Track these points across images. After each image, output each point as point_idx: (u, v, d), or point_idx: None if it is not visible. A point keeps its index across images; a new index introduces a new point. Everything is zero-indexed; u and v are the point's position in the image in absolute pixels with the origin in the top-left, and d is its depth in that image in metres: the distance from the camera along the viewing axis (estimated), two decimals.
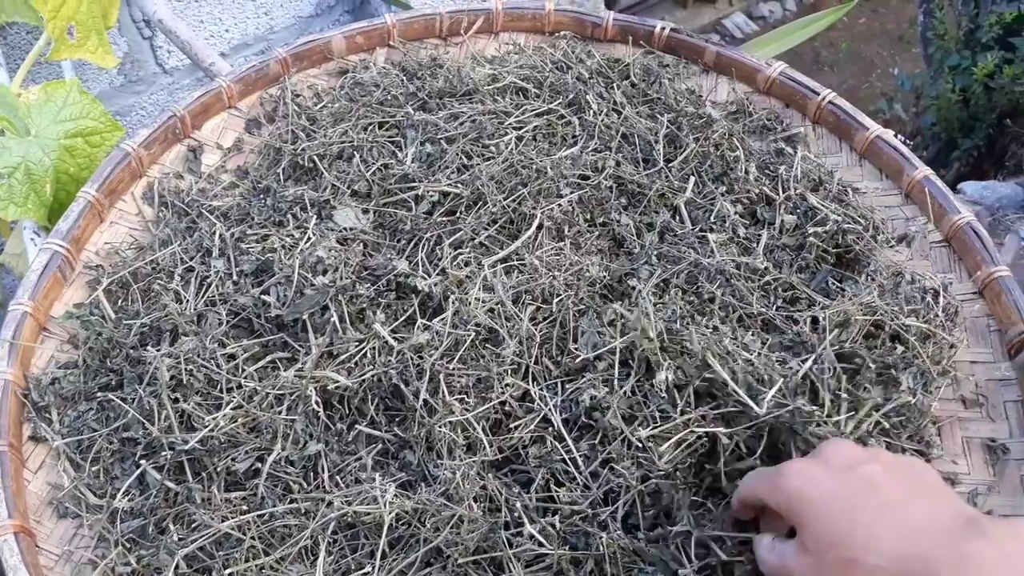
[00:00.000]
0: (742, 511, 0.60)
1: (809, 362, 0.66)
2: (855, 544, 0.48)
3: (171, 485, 0.66)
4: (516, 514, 0.64)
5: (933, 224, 0.82)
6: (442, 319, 0.71)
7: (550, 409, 0.67)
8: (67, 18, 0.96)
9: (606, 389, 0.66)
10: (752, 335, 0.71)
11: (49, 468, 0.69)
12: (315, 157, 0.84)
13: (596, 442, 0.65)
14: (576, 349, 0.69)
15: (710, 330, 0.70)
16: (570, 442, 0.65)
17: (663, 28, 0.97)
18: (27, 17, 1.02)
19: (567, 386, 0.68)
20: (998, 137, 2.46)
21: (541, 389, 0.68)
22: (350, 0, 1.53)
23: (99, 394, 0.70)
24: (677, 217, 0.82)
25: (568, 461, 0.64)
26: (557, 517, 0.62)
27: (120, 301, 0.77)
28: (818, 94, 0.91)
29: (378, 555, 0.61)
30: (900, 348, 0.69)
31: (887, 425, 0.65)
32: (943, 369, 0.71)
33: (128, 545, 0.64)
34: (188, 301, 0.75)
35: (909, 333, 0.69)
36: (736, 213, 0.82)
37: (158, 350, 0.70)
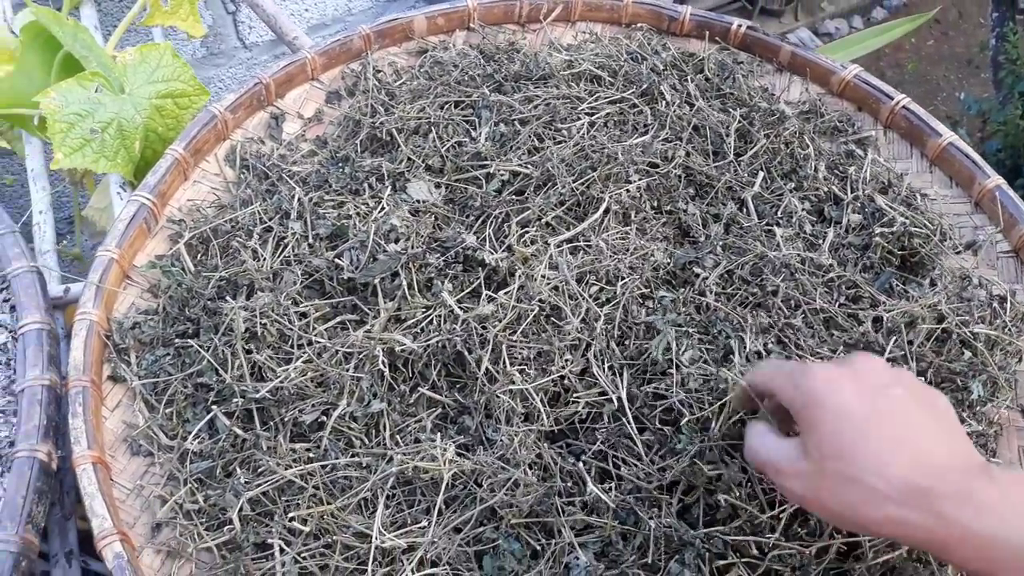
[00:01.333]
0: (743, 398, 0.60)
1: None
2: (863, 464, 0.47)
3: (239, 432, 0.69)
4: (569, 483, 0.65)
5: (1002, 234, 0.82)
6: (507, 292, 0.73)
7: (612, 387, 0.68)
8: None
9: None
10: (814, 335, 0.72)
11: (125, 408, 0.72)
12: (393, 131, 0.86)
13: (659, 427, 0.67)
14: (648, 346, 0.70)
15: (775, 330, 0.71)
16: (631, 422, 0.66)
17: (740, 25, 0.98)
18: None
19: (627, 370, 0.70)
20: None
21: (601, 366, 0.70)
22: None
23: (176, 340, 0.74)
24: (744, 210, 0.83)
25: (632, 439, 0.66)
26: (613, 492, 0.64)
27: (200, 255, 0.80)
28: (892, 98, 0.91)
29: (435, 511, 0.63)
30: (968, 354, 0.69)
31: None
32: (1008, 378, 0.71)
33: (196, 485, 0.67)
34: (265, 259, 0.78)
35: (977, 340, 0.69)
36: (803, 210, 0.82)
37: (235, 302, 0.73)
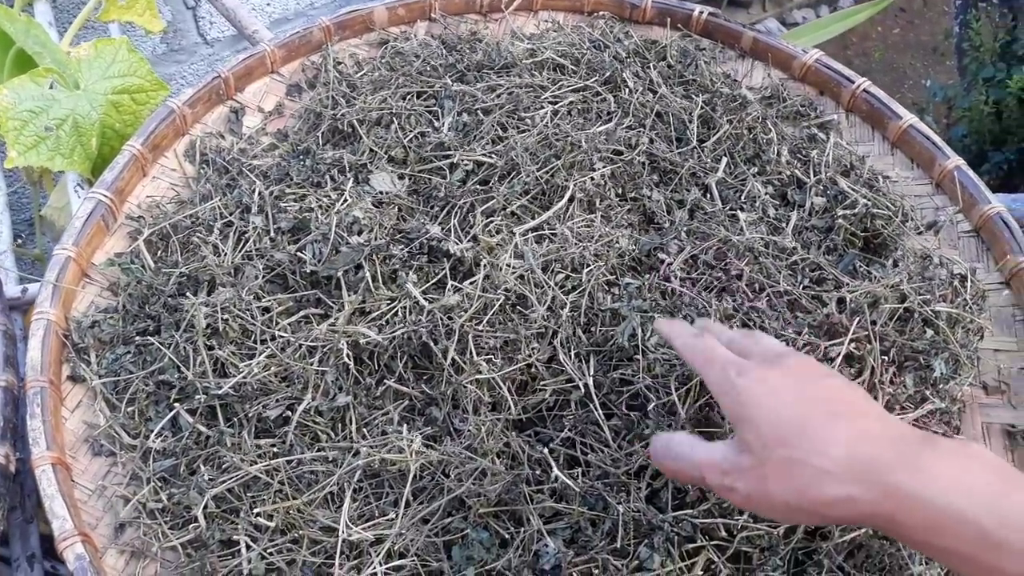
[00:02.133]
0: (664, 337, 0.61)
1: (845, 344, 0.67)
2: (805, 445, 0.46)
3: (203, 429, 0.68)
4: (537, 471, 0.65)
5: (963, 214, 0.83)
6: (473, 282, 0.73)
7: (579, 374, 0.68)
8: None
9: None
10: (778, 317, 0.72)
11: (85, 408, 0.71)
12: (354, 122, 0.85)
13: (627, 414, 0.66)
14: (613, 332, 0.70)
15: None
16: (598, 408, 0.66)
17: (701, 12, 0.98)
18: None
19: (594, 356, 0.70)
20: None
21: (568, 354, 0.70)
22: None
23: (137, 338, 0.73)
24: (708, 195, 0.83)
25: (599, 425, 0.66)
26: (580, 479, 0.63)
27: (160, 252, 0.79)
28: (853, 82, 0.91)
29: (402, 503, 0.63)
30: (930, 332, 0.69)
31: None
32: (970, 355, 0.72)
33: (159, 484, 0.66)
34: (226, 254, 0.77)
35: (939, 318, 0.70)
36: (767, 194, 0.83)
37: (196, 298, 0.72)
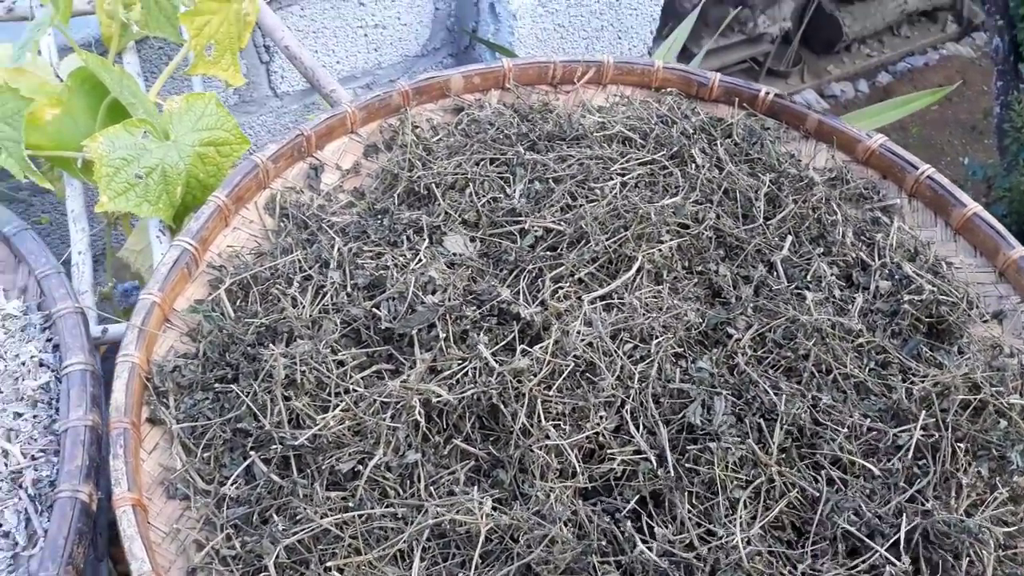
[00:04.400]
0: None
1: (917, 432, 0.68)
2: None
3: (276, 478, 0.69)
4: (603, 542, 0.66)
5: None
6: (542, 347, 0.74)
7: (647, 446, 0.69)
8: (208, 36, 1.03)
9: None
10: (846, 399, 0.73)
11: (162, 450, 0.73)
12: (431, 185, 0.88)
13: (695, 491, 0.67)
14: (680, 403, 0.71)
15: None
16: (672, 476, 0.67)
17: (767, 92, 1.01)
18: (167, 33, 1.10)
19: (663, 426, 0.71)
20: None
21: (636, 425, 0.71)
22: (454, 44, 1.60)
23: (216, 385, 0.75)
24: (773, 273, 0.85)
25: (669, 496, 0.66)
26: (653, 553, 0.64)
27: (239, 301, 0.82)
28: (917, 168, 0.93)
29: (472, 565, 0.64)
30: (1003, 423, 0.70)
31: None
32: None
33: (232, 531, 0.68)
34: (304, 307, 0.79)
35: (1012, 409, 0.70)
36: (832, 275, 0.84)
37: (275, 349, 0.74)
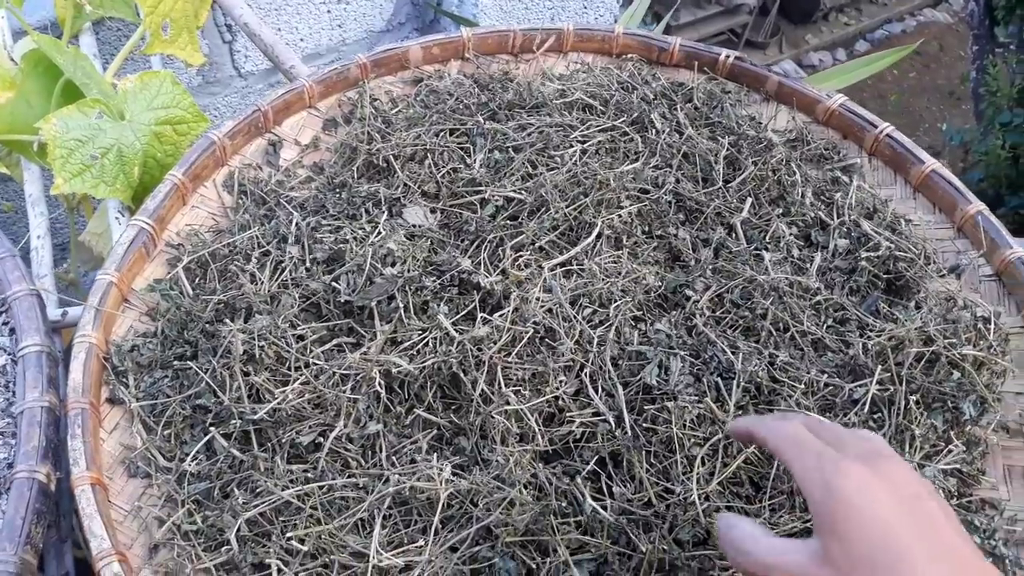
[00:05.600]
0: (741, 437, 0.58)
1: (872, 386, 0.68)
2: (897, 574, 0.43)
3: (237, 453, 0.70)
4: (564, 503, 0.66)
5: (985, 258, 0.84)
6: (502, 315, 0.74)
7: (606, 408, 0.69)
8: (163, 15, 1.01)
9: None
10: (803, 357, 0.74)
11: (123, 430, 0.73)
12: (389, 157, 0.88)
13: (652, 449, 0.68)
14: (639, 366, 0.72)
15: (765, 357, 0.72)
16: (630, 436, 0.67)
17: (727, 56, 1.00)
18: (123, 13, 1.09)
19: (622, 389, 0.71)
20: None
21: (595, 388, 0.71)
22: (419, 19, 1.58)
23: (175, 363, 0.74)
24: (733, 235, 0.85)
25: (627, 456, 0.67)
26: (607, 511, 0.65)
27: (198, 279, 0.81)
28: (876, 127, 0.93)
29: (431, 531, 0.64)
30: (956, 374, 0.70)
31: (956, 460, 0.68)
32: (996, 397, 0.73)
33: (193, 506, 0.68)
34: (263, 283, 0.79)
35: (965, 361, 0.71)
36: (791, 235, 0.84)
37: (233, 325, 0.74)
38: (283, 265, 0.80)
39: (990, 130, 2.58)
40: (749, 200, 0.87)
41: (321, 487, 0.67)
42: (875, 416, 0.70)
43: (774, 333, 0.76)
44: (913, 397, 0.69)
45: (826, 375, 0.72)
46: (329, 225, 0.83)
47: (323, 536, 0.64)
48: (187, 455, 0.70)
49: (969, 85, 2.91)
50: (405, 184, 0.86)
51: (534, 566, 0.63)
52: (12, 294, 0.74)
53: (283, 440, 0.70)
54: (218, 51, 1.37)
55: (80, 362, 0.71)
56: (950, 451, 0.69)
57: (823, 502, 0.47)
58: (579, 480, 0.66)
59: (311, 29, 1.46)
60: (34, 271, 0.92)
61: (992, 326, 0.75)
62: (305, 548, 0.63)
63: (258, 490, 0.67)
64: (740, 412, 0.70)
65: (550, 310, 0.75)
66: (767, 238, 0.84)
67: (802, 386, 0.71)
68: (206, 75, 1.40)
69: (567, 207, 0.83)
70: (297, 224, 0.83)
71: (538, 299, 0.75)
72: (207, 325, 0.76)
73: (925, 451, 0.68)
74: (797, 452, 0.50)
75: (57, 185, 0.86)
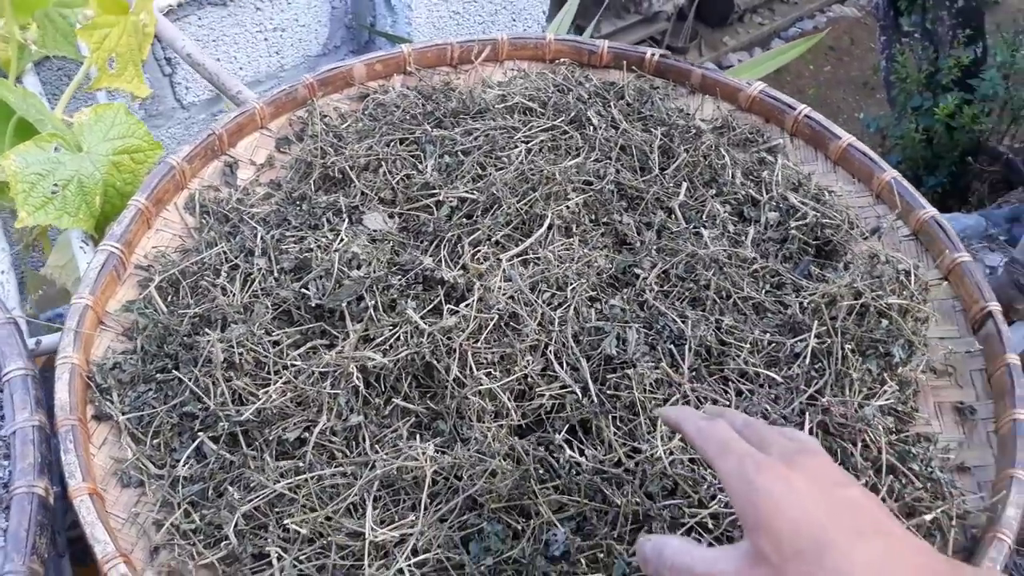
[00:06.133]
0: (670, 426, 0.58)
1: (811, 340, 0.75)
2: (827, 563, 0.43)
3: (226, 455, 0.73)
4: (541, 471, 0.71)
5: (902, 220, 0.92)
6: (467, 305, 0.79)
7: (572, 380, 0.74)
8: (109, 50, 1.04)
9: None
10: (746, 320, 0.80)
11: (111, 444, 0.75)
12: (345, 168, 0.92)
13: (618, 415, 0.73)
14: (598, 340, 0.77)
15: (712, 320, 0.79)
16: (596, 404, 0.73)
17: (653, 54, 1.07)
18: (66, 51, 1.11)
19: (585, 362, 0.76)
20: (961, 174, 2.60)
21: (560, 363, 0.76)
22: (354, 41, 1.63)
23: (158, 375, 0.77)
24: (672, 217, 0.91)
25: (595, 422, 0.72)
26: (583, 475, 0.70)
27: (170, 297, 0.84)
28: (795, 109, 1.01)
29: (421, 505, 0.68)
30: (884, 323, 0.77)
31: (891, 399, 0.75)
32: (923, 341, 0.80)
33: (189, 507, 0.71)
34: (234, 294, 0.82)
35: (891, 309, 0.78)
36: (725, 213, 0.91)
37: (212, 335, 0.77)
38: (252, 277, 0.84)
39: (903, 115, 2.71)
40: (684, 184, 0.94)
41: (311, 477, 0.71)
42: (816, 366, 0.76)
43: (718, 301, 0.82)
44: (848, 346, 0.76)
45: (768, 334, 0.79)
46: (293, 236, 0.87)
47: (319, 520, 0.68)
48: (178, 461, 0.73)
49: (880, 75, 3.06)
50: (363, 192, 0.91)
51: (520, 528, 0.67)
52: None
53: (270, 438, 0.73)
54: (159, 84, 1.40)
55: (64, 382, 0.74)
56: (885, 391, 0.76)
57: (747, 501, 0.47)
58: (555, 448, 0.71)
59: (249, 57, 1.50)
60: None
61: (913, 277, 0.83)
62: (304, 531, 0.67)
63: (251, 485, 0.70)
64: (694, 374, 0.76)
65: (512, 297, 0.80)
66: (704, 217, 0.91)
67: (748, 346, 0.78)
68: (148, 108, 1.42)
69: (518, 202, 0.88)
70: (262, 237, 0.86)
71: (500, 288, 0.81)
72: (185, 338, 0.79)
73: (864, 393, 0.75)
74: (721, 453, 0.50)
75: (22, 219, 0.88)
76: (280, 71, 1.56)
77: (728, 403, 0.74)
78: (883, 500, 0.68)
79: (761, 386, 0.76)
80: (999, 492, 0.70)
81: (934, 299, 0.86)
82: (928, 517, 0.67)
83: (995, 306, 0.81)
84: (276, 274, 0.84)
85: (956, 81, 2.27)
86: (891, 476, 0.70)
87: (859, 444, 0.71)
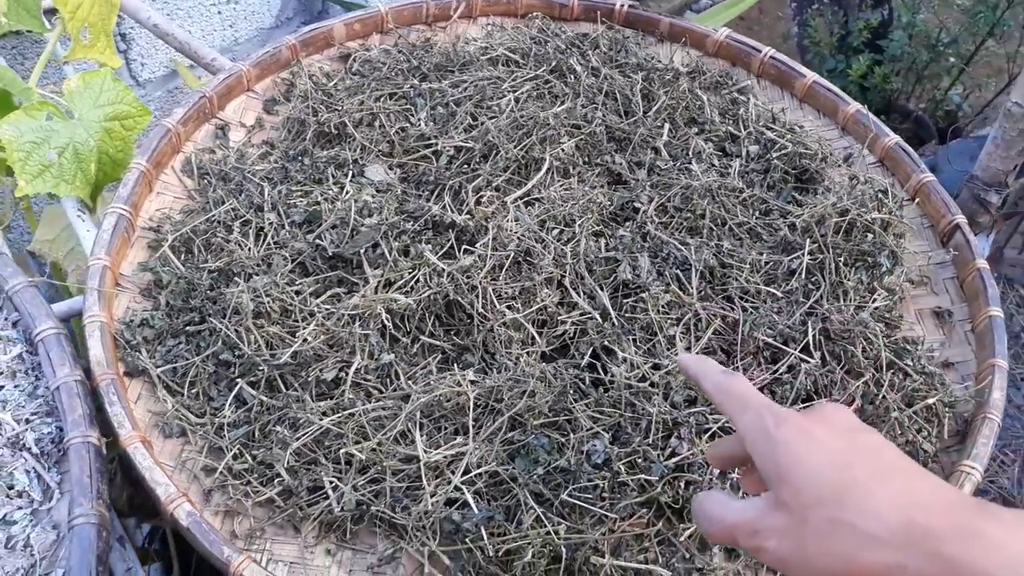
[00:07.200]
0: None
1: (805, 256, 0.81)
2: (850, 505, 0.42)
3: (266, 399, 0.75)
4: (572, 392, 0.75)
5: (868, 149, 0.99)
6: (483, 244, 0.82)
7: (589, 307, 0.79)
8: (82, 19, 1.03)
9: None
10: (742, 244, 0.86)
11: (146, 398, 0.76)
12: (346, 121, 0.94)
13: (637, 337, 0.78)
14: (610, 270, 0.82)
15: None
16: (618, 326, 0.77)
17: (622, 4, 1.12)
18: (31, 25, 1.09)
19: (601, 290, 0.81)
20: None
21: (577, 292, 0.80)
22: (306, 12, 1.63)
23: (188, 328, 0.78)
24: (660, 155, 0.96)
25: (616, 341, 0.77)
26: (612, 390, 0.74)
27: (183, 256, 0.85)
28: (760, 51, 1.07)
29: (470, 427, 0.72)
30: (869, 236, 0.84)
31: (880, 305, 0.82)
32: (902, 253, 0.87)
33: (238, 449, 0.72)
34: (251, 248, 0.83)
35: (875, 224, 0.85)
36: (709, 149, 0.96)
37: (238, 285, 0.78)
38: (265, 230, 0.85)
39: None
40: (667, 125, 0.99)
41: (355, 412, 0.73)
42: (812, 279, 0.83)
43: (714, 228, 0.87)
44: (840, 259, 0.83)
45: (765, 255, 0.85)
46: (299, 190, 0.89)
47: (371, 449, 0.71)
48: (217, 409, 0.75)
49: (792, 41, 3.17)
50: (362, 146, 0.93)
51: (563, 441, 0.71)
52: (11, 288, 0.76)
53: (308, 379, 0.75)
54: None
55: (96, 339, 0.74)
56: (875, 299, 0.82)
57: (767, 452, 0.47)
58: (582, 372, 0.75)
59: (203, 31, 1.48)
60: None
61: (890, 194, 0.90)
62: (359, 458, 0.69)
63: (298, 424, 0.72)
64: (701, 294, 0.81)
65: (523, 235, 0.84)
66: (689, 154, 0.96)
67: (747, 266, 0.83)
68: None
69: (515, 148, 0.92)
70: (268, 193, 0.88)
71: (510, 228, 0.84)
72: (208, 292, 0.80)
73: (857, 301, 0.81)
74: (740, 408, 0.50)
75: (20, 188, 0.87)
76: (235, 44, 1.55)
77: (737, 318, 0.79)
78: (887, 390, 0.75)
79: (764, 301, 0.81)
80: (984, 380, 0.78)
81: (905, 218, 0.93)
82: (930, 401, 0.74)
83: (962, 218, 0.89)
84: (287, 228, 0.86)
85: (866, 43, 2.38)
86: (890, 372, 0.77)
87: (859, 346, 0.77)
